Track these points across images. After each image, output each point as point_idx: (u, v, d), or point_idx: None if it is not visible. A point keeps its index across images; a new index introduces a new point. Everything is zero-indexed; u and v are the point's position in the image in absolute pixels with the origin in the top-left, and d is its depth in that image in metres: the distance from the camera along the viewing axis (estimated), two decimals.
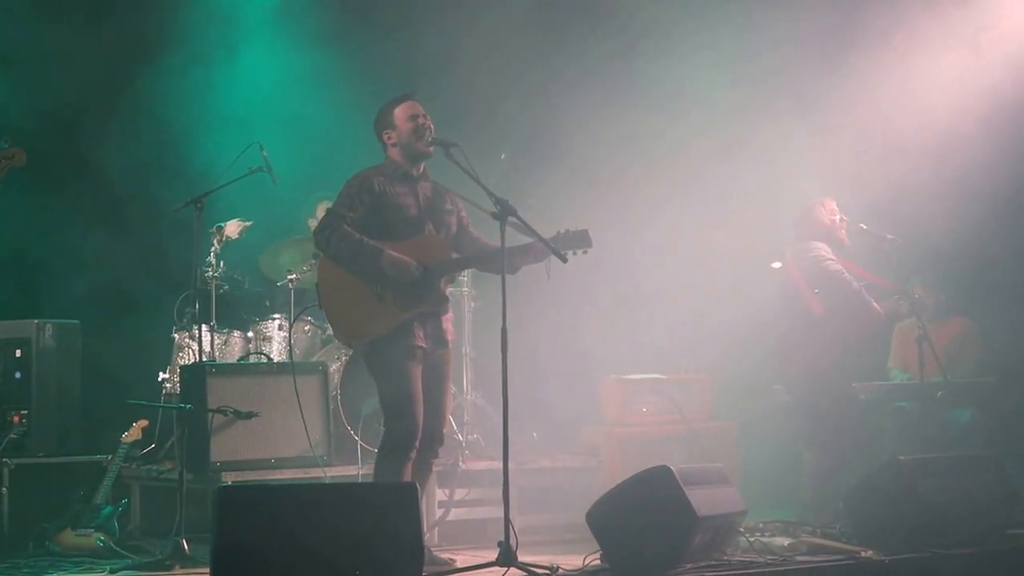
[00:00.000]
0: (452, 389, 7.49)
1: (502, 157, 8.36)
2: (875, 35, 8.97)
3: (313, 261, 7.69)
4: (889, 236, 7.77)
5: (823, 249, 7.67)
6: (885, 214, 8.10)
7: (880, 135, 8.93)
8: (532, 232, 6.05)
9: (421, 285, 6.18)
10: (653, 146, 9.29)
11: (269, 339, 8.07)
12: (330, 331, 7.16)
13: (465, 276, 8.27)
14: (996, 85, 8.75)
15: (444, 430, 6.47)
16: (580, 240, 6.15)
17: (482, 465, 7.78)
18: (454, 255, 6.38)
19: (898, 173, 8.85)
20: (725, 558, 6.18)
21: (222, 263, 7.88)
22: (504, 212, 5.97)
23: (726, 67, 9.28)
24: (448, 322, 6.43)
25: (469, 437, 7.96)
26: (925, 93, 8.88)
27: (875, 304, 7.65)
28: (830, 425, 7.69)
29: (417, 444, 6.19)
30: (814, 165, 8.75)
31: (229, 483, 6.81)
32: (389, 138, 6.40)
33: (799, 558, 6.34)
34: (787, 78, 9.13)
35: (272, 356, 7.94)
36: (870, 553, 6.34)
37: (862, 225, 7.84)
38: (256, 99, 9.28)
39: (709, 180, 9.33)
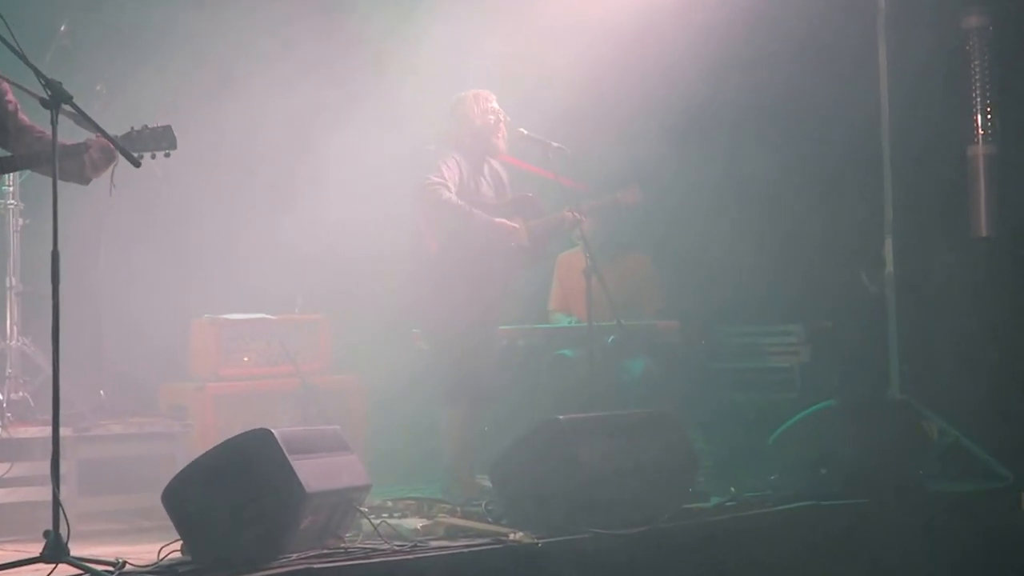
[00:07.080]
0: None
1: (61, 28, 7.84)
2: None
3: None
4: (555, 144, 7.64)
5: (435, 173, 7.46)
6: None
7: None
8: (93, 125, 5.48)
9: None
10: (272, 37, 8.46)
11: None
12: None
13: (10, 185, 7.61)
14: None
15: None
16: (161, 139, 5.63)
17: (32, 432, 7.10)
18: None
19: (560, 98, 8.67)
20: (342, 545, 5.77)
21: None
22: (56, 99, 5.32)
23: None
24: None
25: (13, 395, 7.34)
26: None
27: (505, 222, 7.47)
28: (469, 377, 7.47)
29: None
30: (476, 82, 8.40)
31: None
32: None
33: (434, 543, 5.99)
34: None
35: None
36: (520, 535, 6.00)
37: (522, 130, 7.64)
38: None
39: (341, 91, 8.72)
